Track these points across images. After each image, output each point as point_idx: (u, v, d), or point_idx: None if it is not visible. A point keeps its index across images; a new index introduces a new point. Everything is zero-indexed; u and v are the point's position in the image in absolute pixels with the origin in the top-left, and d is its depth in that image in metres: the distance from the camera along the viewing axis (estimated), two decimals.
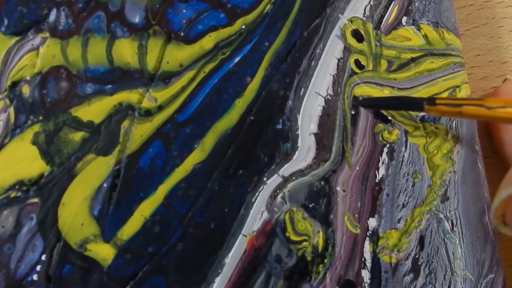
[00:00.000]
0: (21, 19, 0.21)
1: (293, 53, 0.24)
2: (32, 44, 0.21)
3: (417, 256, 0.24)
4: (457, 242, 0.25)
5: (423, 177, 0.25)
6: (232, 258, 0.21)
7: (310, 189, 0.23)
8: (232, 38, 0.23)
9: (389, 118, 0.25)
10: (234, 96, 0.23)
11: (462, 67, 0.27)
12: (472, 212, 0.26)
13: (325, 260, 0.23)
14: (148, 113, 0.22)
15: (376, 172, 0.24)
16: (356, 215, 0.24)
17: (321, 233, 0.23)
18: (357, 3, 0.25)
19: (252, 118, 0.23)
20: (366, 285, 0.23)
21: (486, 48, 0.31)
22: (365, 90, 0.25)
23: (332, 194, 0.23)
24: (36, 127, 0.20)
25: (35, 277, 0.19)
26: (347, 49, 0.25)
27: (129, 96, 0.21)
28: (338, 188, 0.23)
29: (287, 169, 0.23)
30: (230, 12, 0.23)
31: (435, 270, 0.25)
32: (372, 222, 0.24)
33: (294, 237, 0.22)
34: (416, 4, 0.27)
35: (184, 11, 0.23)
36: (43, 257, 0.19)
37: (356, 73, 0.25)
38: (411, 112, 0.25)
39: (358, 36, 0.25)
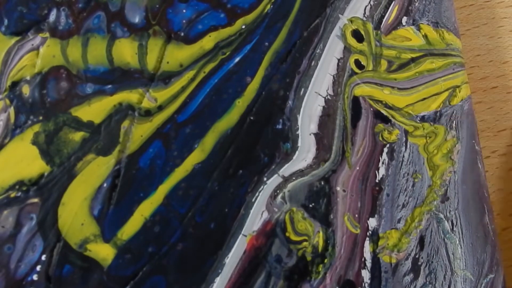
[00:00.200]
0: (21, 19, 0.21)
1: (293, 53, 0.24)
2: (32, 44, 0.21)
3: (417, 256, 0.24)
4: (457, 242, 0.25)
5: (423, 177, 0.25)
6: (232, 258, 0.21)
7: (310, 189, 0.23)
8: (232, 38, 0.23)
9: (389, 118, 0.25)
10: (234, 96, 0.23)
11: (462, 67, 0.27)
12: (472, 212, 0.26)
13: (325, 260, 0.23)
14: (148, 113, 0.22)
15: (376, 172, 0.24)
16: (356, 215, 0.24)
17: (321, 233, 0.23)
18: (357, 3, 0.25)
19: (252, 118, 0.23)
20: (366, 285, 0.23)
21: (486, 48, 0.31)
22: (365, 90, 0.25)
23: (332, 194, 0.23)
24: (36, 127, 0.20)
25: (35, 277, 0.19)
26: (347, 49, 0.25)
27: (129, 96, 0.21)
28: (338, 188, 0.23)
29: (287, 169, 0.23)
30: (230, 12, 0.23)
31: (435, 270, 0.25)
32: (372, 222, 0.24)
33: (294, 237, 0.22)
34: (416, 4, 0.27)
35: (184, 11, 0.23)
36: (43, 257, 0.19)
37: (356, 73, 0.25)
38: (410, 111, 0.25)
39: (358, 36, 0.25)
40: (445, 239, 0.25)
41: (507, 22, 0.32)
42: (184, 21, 0.22)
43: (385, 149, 0.25)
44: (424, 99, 0.26)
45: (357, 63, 0.25)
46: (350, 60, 0.25)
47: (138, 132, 0.21)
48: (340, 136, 0.24)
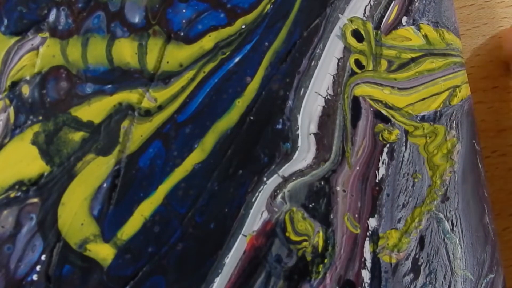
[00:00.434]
0: (20, 19, 0.21)
1: (293, 53, 0.24)
2: (32, 44, 0.21)
3: (417, 256, 0.24)
4: (457, 242, 0.25)
5: (423, 177, 0.25)
6: (232, 258, 0.21)
7: (310, 189, 0.23)
8: (232, 38, 0.23)
9: (389, 118, 0.25)
10: (234, 96, 0.23)
11: (462, 67, 0.27)
12: (472, 212, 0.26)
13: (325, 260, 0.23)
14: (148, 113, 0.22)
15: (376, 172, 0.24)
16: (356, 215, 0.24)
17: (321, 233, 0.23)
18: (357, 3, 0.25)
19: (252, 118, 0.23)
20: (366, 285, 0.23)
21: (486, 48, 0.31)
22: (365, 90, 0.25)
23: (332, 194, 0.23)
24: (36, 127, 0.20)
25: (35, 277, 0.19)
26: (347, 49, 0.25)
27: (129, 96, 0.21)
28: (338, 188, 0.23)
29: (287, 169, 0.23)
30: (230, 12, 0.23)
31: (435, 270, 0.25)
32: (372, 222, 0.24)
33: (294, 237, 0.22)
34: (416, 4, 0.27)
35: (184, 11, 0.23)
36: (43, 257, 0.19)
37: (356, 73, 0.25)
38: (410, 111, 0.25)
39: (358, 36, 0.25)
40: (445, 239, 0.25)
41: (507, 22, 0.32)
42: (184, 21, 0.22)
43: (385, 149, 0.25)
44: (424, 99, 0.26)
45: (357, 63, 0.25)
46: (350, 60, 0.25)
47: (138, 132, 0.21)
48: (340, 136, 0.24)
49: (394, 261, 0.24)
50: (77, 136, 0.21)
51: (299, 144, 0.23)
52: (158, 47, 0.22)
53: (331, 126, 0.24)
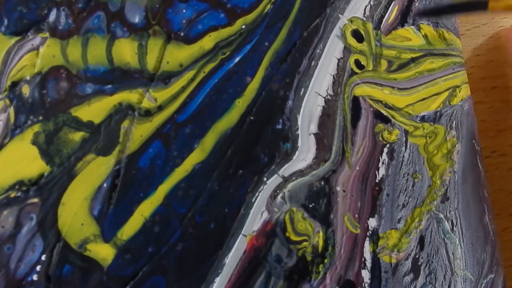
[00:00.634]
0: (21, 19, 0.21)
1: (293, 53, 0.24)
2: (32, 44, 0.21)
3: (417, 256, 0.24)
4: (457, 242, 0.25)
5: (423, 177, 0.25)
6: (232, 258, 0.21)
7: (310, 189, 0.23)
8: (232, 38, 0.23)
9: (389, 118, 0.25)
10: (234, 96, 0.23)
11: (462, 67, 0.27)
12: (472, 212, 0.26)
13: (325, 260, 0.23)
14: (148, 113, 0.22)
15: (376, 172, 0.24)
16: (356, 215, 0.24)
17: (321, 233, 0.23)
18: (357, 3, 0.25)
19: (252, 118, 0.23)
20: (366, 285, 0.23)
21: (486, 48, 0.31)
22: (365, 90, 0.25)
23: (332, 194, 0.23)
24: (36, 127, 0.20)
25: (35, 277, 0.19)
26: (347, 49, 0.25)
27: (129, 96, 0.21)
28: (338, 188, 0.23)
29: (287, 169, 0.23)
30: (230, 12, 0.23)
31: (435, 270, 0.25)
32: (372, 222, 0.24)
33: (294, 237, 0.22)
34: (416, 4, 0.27)
35: (184, 11, 0.23)
36: (43, 257, 0.19)
37: (356, 73, 0.25)
38: (410, 111, 0.25)
39: (358, 36, 0.25)
40: (445, 239, 0.25)
41: (507, 22, 0.32)
42: (184, 21, 0.22)
43: (385, 149, 0.25)
44: (424, 99, 0.26)
45: (357, 63, 0.25)
46: (350, 60, 0.25)
47: (138, 132, 0.21)
48: (340, 136, 0.24)
49: (394, 261, 0.24)
50: (77, 136, 0.21)
51: (299, 144, 0.23)
52: (158, 47, 0.22)
53: (331, 126, 0.24)
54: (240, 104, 0.23)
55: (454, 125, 0.26)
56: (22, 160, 0.20)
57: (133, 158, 0.21)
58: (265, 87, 0.23)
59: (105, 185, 0.21)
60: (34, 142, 0.20)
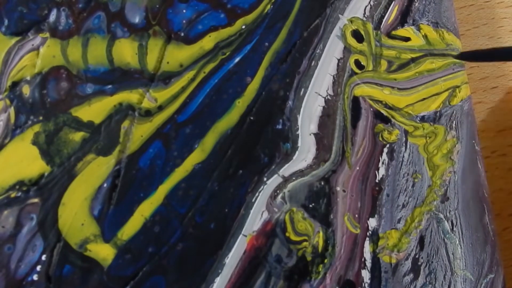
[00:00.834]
0: (21, 19, 0.21)
1: (293, 53, 0.24)
2: (32, 44, 0.21)
3: (417, 256, 0.24)
4: (457, 242, 0.25)
5: (423, 177, 0.25)
6: (232, 258, 0.21)
7: (310, 189, 0.23)
8: (232, 38, 0.23)
9: (389, 118, 0.25)
10: (234, 96, 0.23)
11: (462, 67, 0.27)
12: (472, 212, 0.26)
13: (325, 260, 0.23)
14: (148, 113, 0.22)
15: (376, 172, 0.24)
16: (356, 215, 0.24)
17: (321, 233, 0.23)
18: (357, 3, 0.25)
19: (252, 118, 0.23)
20: (366, 285, 0.23)
21: (486, 48, 0.31)
22: (365, 90, 0.25)
23: (332, 194, 0.23)
24: (36, 127, 0.20)
25: (35, 277, 0.19)
26: (347, 49, 0.25)
27: (129, 96, 0.21)
28: (338, 188, 0.23)
29: (287, 169, 0.23)
30: (230, 12, 0.23)
31: (435, 270, 0.25)
32: (372, 222, 0.24)
33: (294, 237, 0.22)
34: (416, 4, 0.27)
35: (184, 11, 0.23)
36: (43, 257, 0.19)
37: (356, 73, 0.25)
38: (410, 112, 0.25)
39: (358, 36, 0.25)
40: (445, 239, 0.25)
41: (507, 22, 0.32)
42: (184, 21, 0.22)
43: (385, 149, 0.25)
44: (424, 99, 0.26)
45: (357, 63, 0.25)
46: (350, 60, 0.25)
47: (138, 132, 0.21)
48: (340, 136, 0.24)
49: (394, 261, 0.24)
50: (78, 136, 0.21)
51: (299, 144, 0.23)
52: (159, 47, 0.22)
53: (331, 126, 0.24)
54: (240, 104, 0.23)
55: (454, 125, 0.26)
56: (22, 160, 0.20)
57: (133, 158, 0.21)
58: (265, 87, 0.23)
59: (105, 185, 0.21)
60: (34, 142, 0.20)
